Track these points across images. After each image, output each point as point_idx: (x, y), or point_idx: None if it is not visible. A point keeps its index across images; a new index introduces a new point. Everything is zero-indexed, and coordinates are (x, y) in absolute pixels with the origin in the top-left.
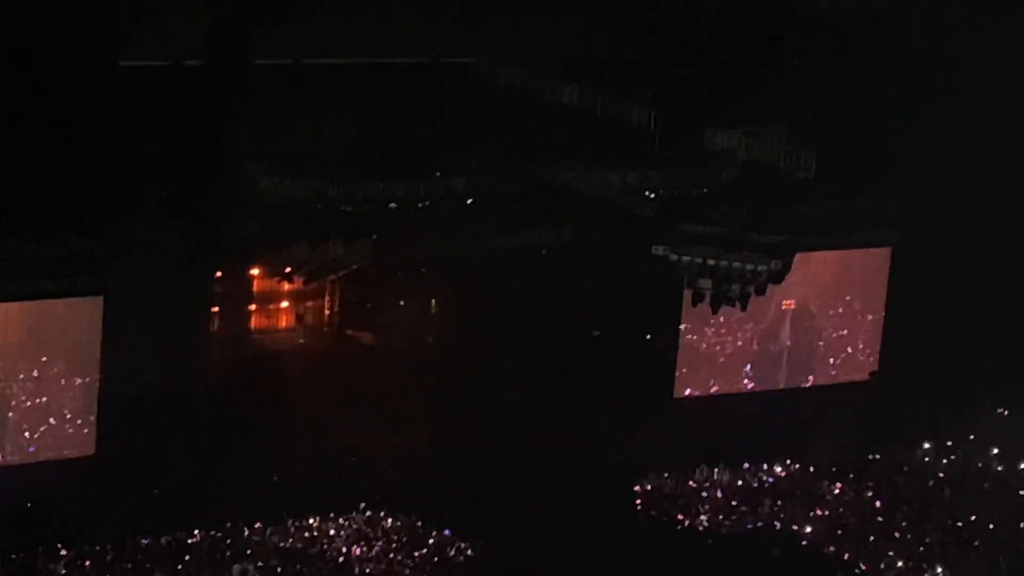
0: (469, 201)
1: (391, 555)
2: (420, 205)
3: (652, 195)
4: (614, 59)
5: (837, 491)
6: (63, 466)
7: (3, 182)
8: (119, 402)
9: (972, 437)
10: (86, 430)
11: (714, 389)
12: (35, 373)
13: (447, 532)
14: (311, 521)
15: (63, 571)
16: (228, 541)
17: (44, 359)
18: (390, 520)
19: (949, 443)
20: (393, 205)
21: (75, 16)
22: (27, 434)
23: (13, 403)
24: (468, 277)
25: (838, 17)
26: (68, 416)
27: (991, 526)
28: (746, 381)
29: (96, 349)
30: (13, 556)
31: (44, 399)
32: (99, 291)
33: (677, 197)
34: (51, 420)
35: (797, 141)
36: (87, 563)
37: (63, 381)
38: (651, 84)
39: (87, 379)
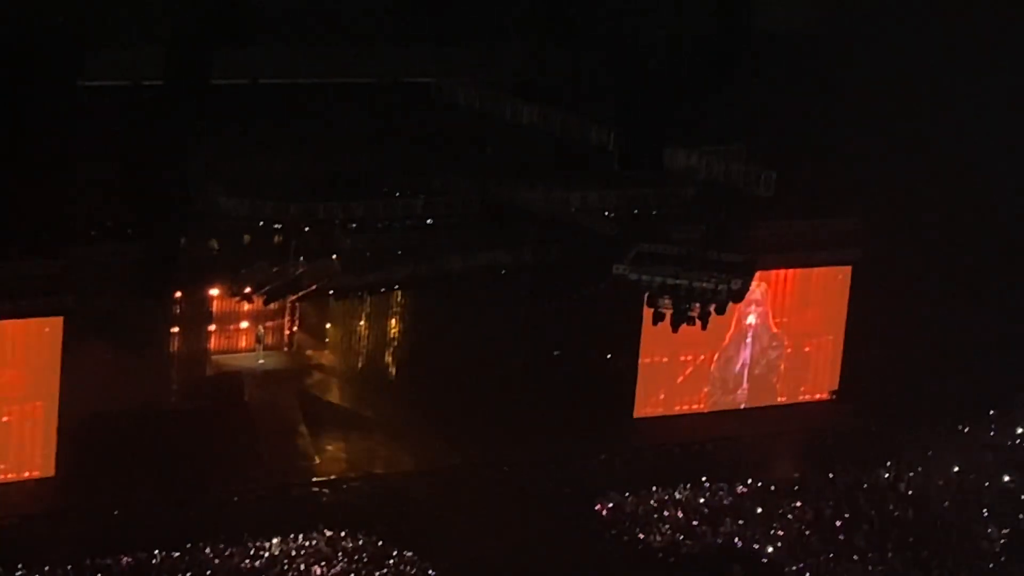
0: (428, 221)
1: (352, 575)
2: (380, 225)
3: (612, 214)
4: (573, 79)
5: (798, 510)
6: (22, 487)
7: None
8: (79, 423)
9: (932, 455)
10: (45, 451)
11: (674, 408)
12: None
13: (408, 552)
14: (272, 542)
15: None
16: (188, 562)
17: (3, 380)
18: (351, 541)
19: (909, 461)
20: (353, 225)
21: (33, 37)
22: None
23: None
24: (428, 297)
25: (797, 37)
26: (27, 437)
27: (952, 544)
28: (706, 400)
29: (56, 370)
30: None
31: (4, 419)
32: (59, 312)
33: (637, 216)
34: (10, 441)
35: (756, 160)
36: None
37: (22, 402)
38: (611, 104)
39: (47, 400)
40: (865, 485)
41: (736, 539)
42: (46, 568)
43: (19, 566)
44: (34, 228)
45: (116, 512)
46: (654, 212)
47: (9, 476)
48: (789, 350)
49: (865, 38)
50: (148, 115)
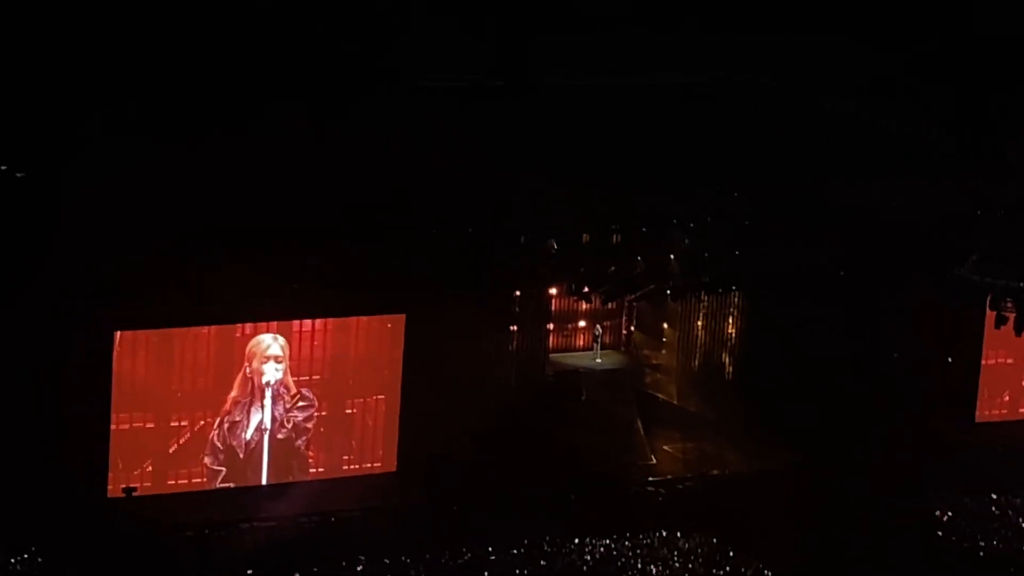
0: (762, 219)
1: (687, 575)
2: (716, 224)
3: (952, 214)
4: (908, 73)
5: None
6: (365, 480)
7: (307, 205)
8: (419, 418)
9: None
10: (387, 445)
11: (1019, 412)
12: (339, 388)
13: (744, 553)
14: (607, 540)
15: None
16: (524, 558)
17: (347, 373)
18: (687, 540)
19: None
20: (691, 225)
21: (368, 39)
22: (330, 449)
23: (317, 418)
24: (765, 297)
25: None
26: (370, 431)
27: None
28: None
29: (398, 365)
30: (316, 568)
31: (349, 411)
32: (402, 309)
33: (978, 216)
34: (354, 434)
35: None
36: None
37: (365, 396)
38: (947, 98)
39: (388, 394)
40: None
41: None
42: (386, 560)
43: (361, 557)
44: (378, 226)
45: (455, 508)
46: (997, 211)
47: (353, 468)
48: None
49: None
50: (478, 113)
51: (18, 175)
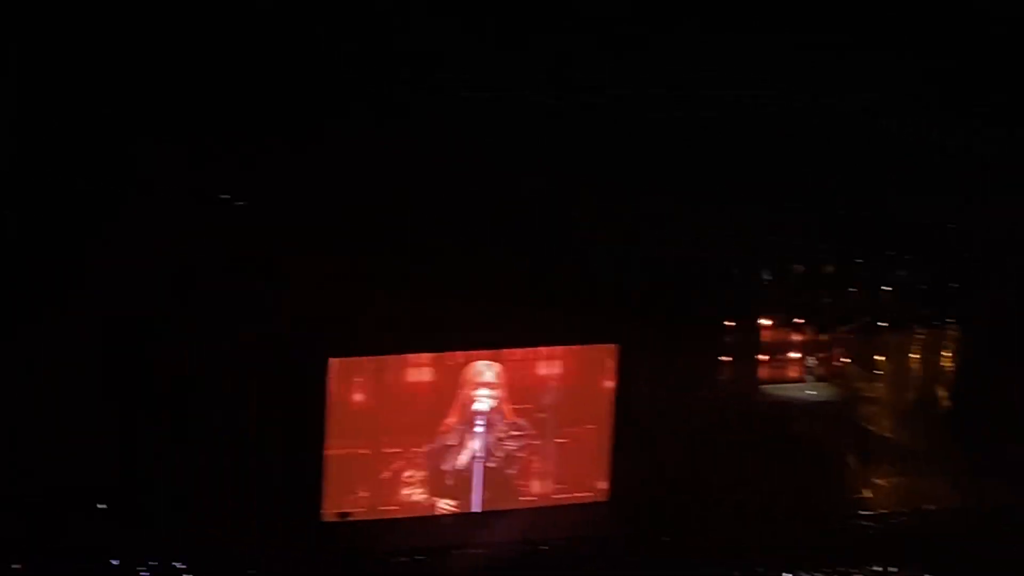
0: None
1: None
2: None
3: None
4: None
5: None
6: (576, 510)
7: (520, 235)
8: (631, 449)
9: None
10: (599, 475)
11: None
12: (552, 417)
13: None
14: (817, 574)
15: None
16: None
17: (561, 404)
18: None
19: None
20: (908, 257)
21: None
22: (542, 478)
23: (529, 447)
24: (981, 328)
25: None
26: (582, 461)
27: None
28: None
29: (610, 396)
30: None
31: (561, 441)
32: (615, 338)
33: None
34: (567, 464)
35: None
36: None
37: (577, 425)
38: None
39: (600, 424)
40: None
41: None
42: None
43: None
44: (592, 258)
45: (665, 538)
46: None
47: (564, 498)
48: None
49: None
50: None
51: (239, 203)
